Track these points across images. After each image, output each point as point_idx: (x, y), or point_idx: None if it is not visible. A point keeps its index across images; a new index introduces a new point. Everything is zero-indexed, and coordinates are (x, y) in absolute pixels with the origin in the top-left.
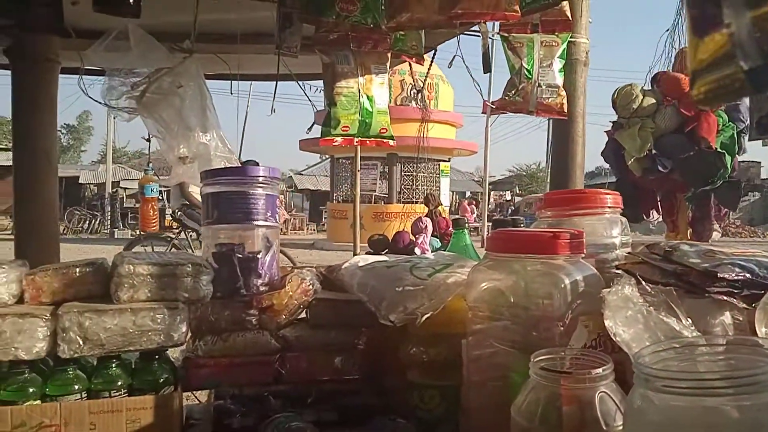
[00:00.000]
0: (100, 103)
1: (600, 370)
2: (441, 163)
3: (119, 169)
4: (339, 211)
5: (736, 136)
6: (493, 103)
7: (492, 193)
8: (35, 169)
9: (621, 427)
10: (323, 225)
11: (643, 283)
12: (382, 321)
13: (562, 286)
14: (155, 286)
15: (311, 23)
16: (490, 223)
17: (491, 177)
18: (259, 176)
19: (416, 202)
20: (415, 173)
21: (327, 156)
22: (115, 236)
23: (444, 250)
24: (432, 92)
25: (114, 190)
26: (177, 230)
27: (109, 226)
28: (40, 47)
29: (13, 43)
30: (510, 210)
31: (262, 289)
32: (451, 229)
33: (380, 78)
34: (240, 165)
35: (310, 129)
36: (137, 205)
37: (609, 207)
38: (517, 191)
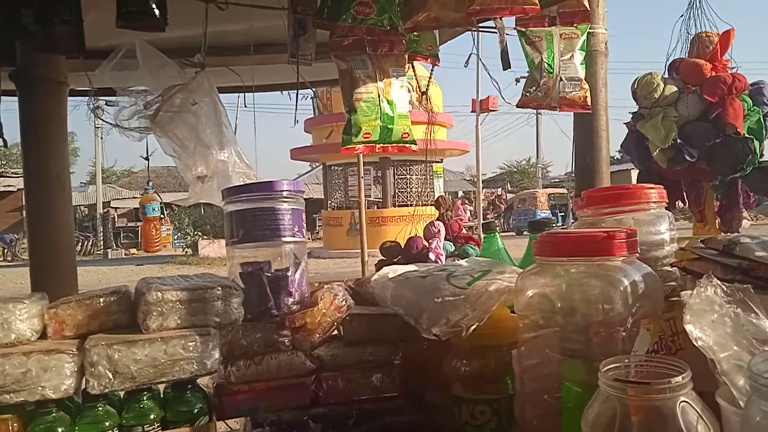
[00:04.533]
0: (111, 124)
1: (680, 378)
2: (434, 164)
3: (109, 189)
4: (334, 218)
5: (762, 120)
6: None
7: (484, 190)
8: (48, 196)
9: None
10: (318, 233)
11: (720, 282)
12: (424, 335)
13: (623, 288)
14: (185, 313)
15: (325, 28)
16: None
17: (483, 175)
18: (284, 190)
19: (410, 205)
20: (408, 176)
21: (318, 164)
22: (109, 257)
23: (455, 254)
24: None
25: (105, 210)
26: None
27: (102, 247)
28: (48, 69)
29: (18, 66)
30: (504, 208)
31: (293, 308)
32: (464, 231)
33: (399, 81)
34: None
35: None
36: (129, 225)
37: (654, 201)
38: (509, 188)
